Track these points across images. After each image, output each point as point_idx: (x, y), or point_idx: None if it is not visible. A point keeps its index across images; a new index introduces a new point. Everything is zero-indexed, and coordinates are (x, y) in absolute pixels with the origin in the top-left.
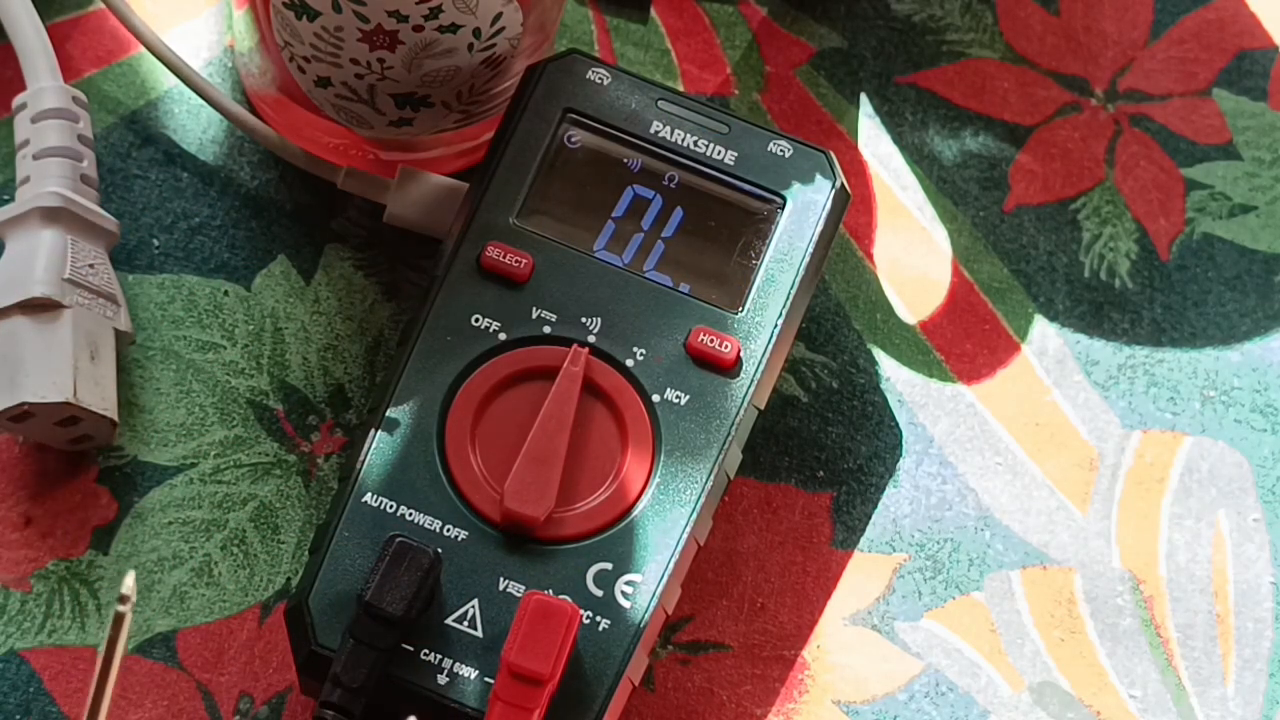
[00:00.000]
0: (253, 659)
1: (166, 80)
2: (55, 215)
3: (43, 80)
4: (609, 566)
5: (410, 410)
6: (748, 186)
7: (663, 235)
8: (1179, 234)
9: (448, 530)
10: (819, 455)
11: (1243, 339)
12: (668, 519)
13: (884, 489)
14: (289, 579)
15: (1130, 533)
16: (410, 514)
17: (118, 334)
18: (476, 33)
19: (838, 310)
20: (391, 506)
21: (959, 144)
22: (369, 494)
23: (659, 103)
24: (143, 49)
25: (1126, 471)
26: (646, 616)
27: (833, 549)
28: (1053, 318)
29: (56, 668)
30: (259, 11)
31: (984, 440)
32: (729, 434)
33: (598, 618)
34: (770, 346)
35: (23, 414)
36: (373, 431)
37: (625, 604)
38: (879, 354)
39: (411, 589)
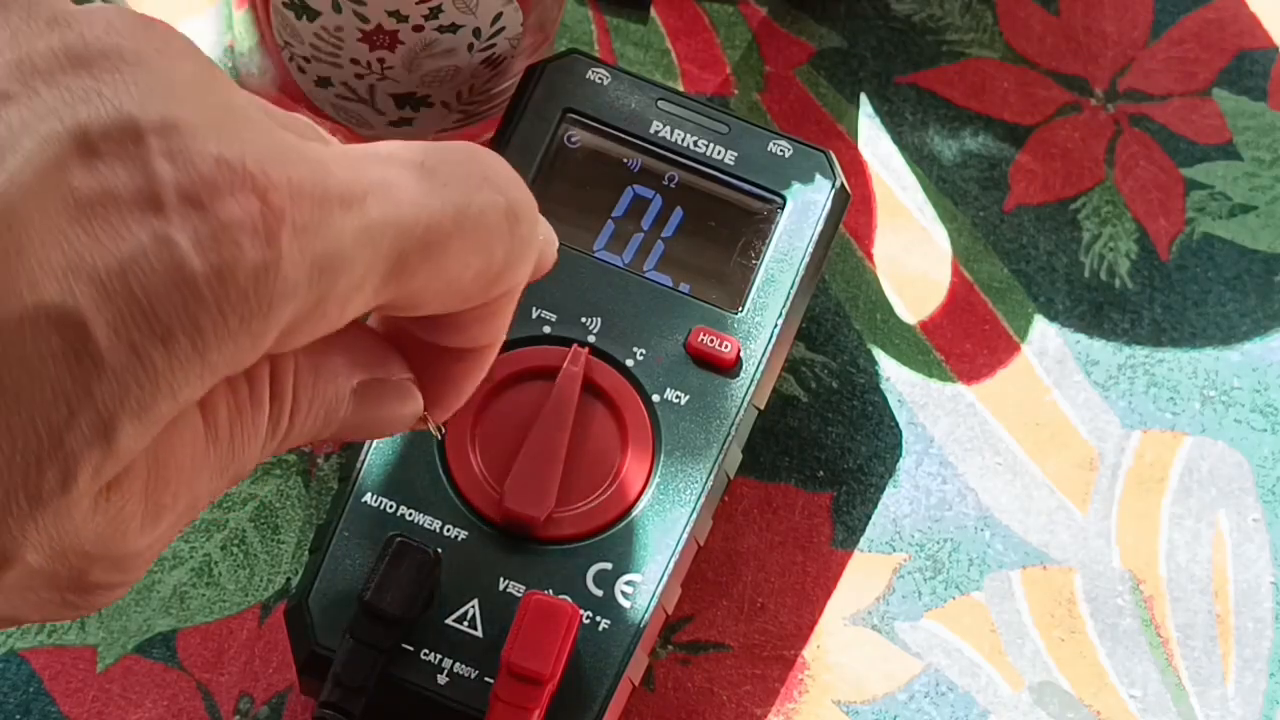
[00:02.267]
0: (253, 659)
1: None
2: None
3: None
4: (609, 566)
5: None
6: (747, 186)
7: (662, 235)
8: (1179, 234)
9: (448, 530)
10: (819, 455)
11: (1243, 339)
12: (667, 519)
13: (884, 489)
14: (289, 579)
15: (1130, 533)
16: (410, 514)
17: None
18: (476, 33)
19: (838, 310)
20: (391, 506)
21: (959, 144)
22: (369, 494)
23: (659, 103)
24: None
25: (1126, 471)
26: (646, 616)
27: (833, 549)
28: (1053, 318)
29: (56, 668)
30: (259, 11)
31: (984, 440)
32: (729, 434)
33: (598, 617)
34: (770, 346)
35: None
36: None
37: (625, 604)
38: (879, 354)
39: (411, 589)
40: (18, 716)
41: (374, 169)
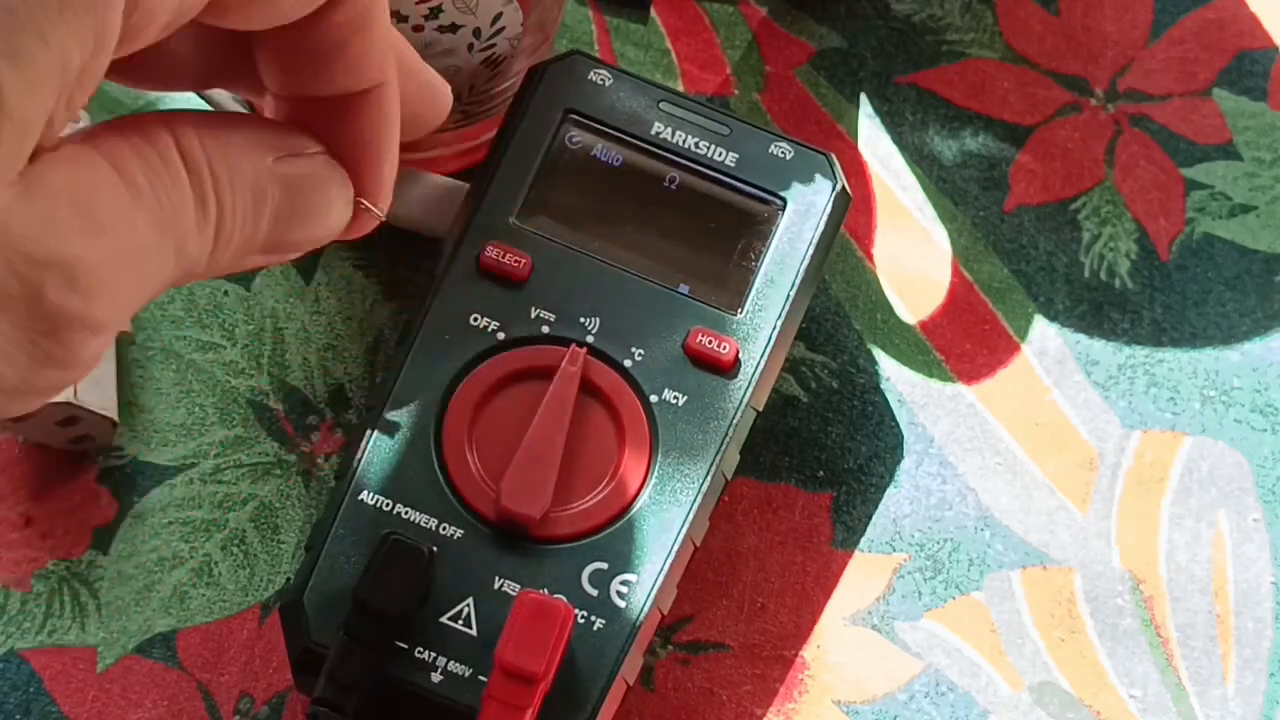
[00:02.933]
0: (253, 659)
1: None
2: None
3: None
4: (604, 566)
5: (408, 409)
6: (748, 188)
7: (663, 236)
8: (1179, 234)
9: (443, 529)
10: (819, 455)
11: (1243, 339)
12: (664, 519)
13: (884, 489)
14: (289, 579)
15: (1130, 533)
16: (406, 512)
17: (118, 334)
18: (476, 33)
19: (838, 310)
20: (388, 505)
21: (959, 144)
22: (365, 492)
23: (660, 104)
24: None
25: (1126, 471)
26: (642, 616)
27: (833, 549)
28: (1053, 318)
29: (56, 668)
30: None
31: (984, 440)
32: (726, 435)
33: (593, 617)
34: (769, 348)
35: (23, 414)
36: (370, 430)
37: (620, 604)
38: (879, 354)
39: (404, 585)
40: (18, 716)
41: None
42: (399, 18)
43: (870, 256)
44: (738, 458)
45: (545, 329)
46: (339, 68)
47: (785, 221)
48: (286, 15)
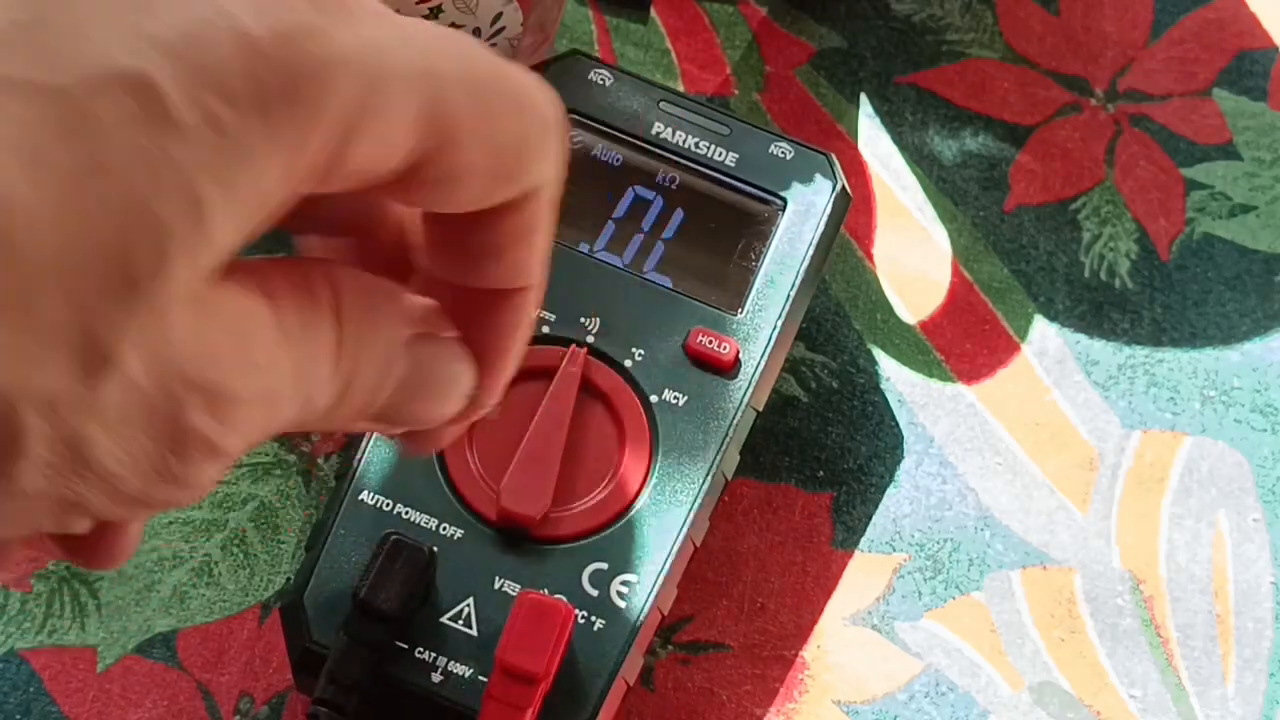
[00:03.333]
0: (253, 659)
1: None
2: None
3: None
4: (605, 566)
5: None
6: (748, 188)
7: (663, 236)
8: (1179, 234)
9: (444, 529)
10: (819, 455)
11: (1243, 339)
12: (664, 520)
13: (884, 489)
14: (289, 579)
15: (1130, 533)
16: (406, 512)
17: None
18: (476, 33)
19: (838, 310)
20: (388, 505)
21: (959, 144)
22: (365, 492)
23: (660, 104)
24: None
25: (1126, 471)
26: (642, 617)
27: (833, 549)
28: (1053, 318)
29: (56, 668)
30: None
31: (984, 440)
32: (726, 435)
33: (593, 617)
34: (769, 348)
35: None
36: None
37: (621, 604)
38: (879, 354)
39: (406, 586)
40: (18, 716)
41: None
42: None
43: (870, 256)
44: (738, 458)
45: (545, 329)
46: (496, 266)
47: (785, 221)
48: (461, 206)
